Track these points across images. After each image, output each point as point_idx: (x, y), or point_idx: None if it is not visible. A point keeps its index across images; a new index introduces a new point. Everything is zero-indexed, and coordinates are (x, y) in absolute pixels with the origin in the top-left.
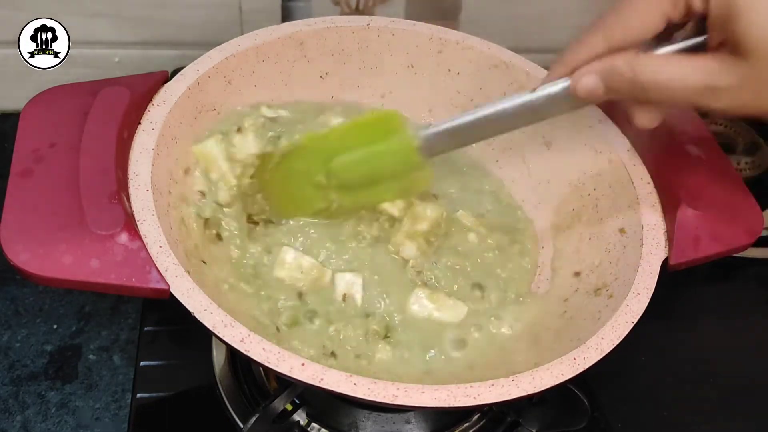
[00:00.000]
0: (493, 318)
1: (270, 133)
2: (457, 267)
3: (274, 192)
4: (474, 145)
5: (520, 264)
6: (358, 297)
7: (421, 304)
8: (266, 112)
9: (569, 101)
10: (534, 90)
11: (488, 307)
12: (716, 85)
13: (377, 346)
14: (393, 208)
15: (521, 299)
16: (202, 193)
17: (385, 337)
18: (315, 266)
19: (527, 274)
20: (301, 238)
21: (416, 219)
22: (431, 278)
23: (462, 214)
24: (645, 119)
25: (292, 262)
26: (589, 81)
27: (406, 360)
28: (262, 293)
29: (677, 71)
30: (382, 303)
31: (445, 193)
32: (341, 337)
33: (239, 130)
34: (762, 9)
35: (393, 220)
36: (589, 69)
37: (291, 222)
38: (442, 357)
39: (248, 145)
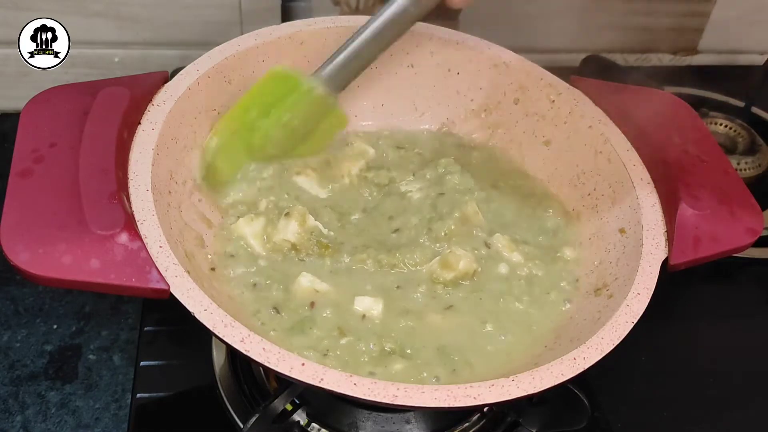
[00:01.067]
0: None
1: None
2: (480, 299)
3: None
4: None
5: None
6: (377, 316)
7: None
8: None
9: None
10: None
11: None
12: None
13: (391, 359)
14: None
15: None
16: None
17: (401, 354)
18: (331, 290)
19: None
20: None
21: (446, 265)
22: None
23: (498, 237)
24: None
25: (309, 286)
26: None
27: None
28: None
29: None
30: (402, 323)
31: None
32: (352, 348)
33: (287, 214)
34: None
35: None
36: None
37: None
38: (454, 370)
39: (288, 232)
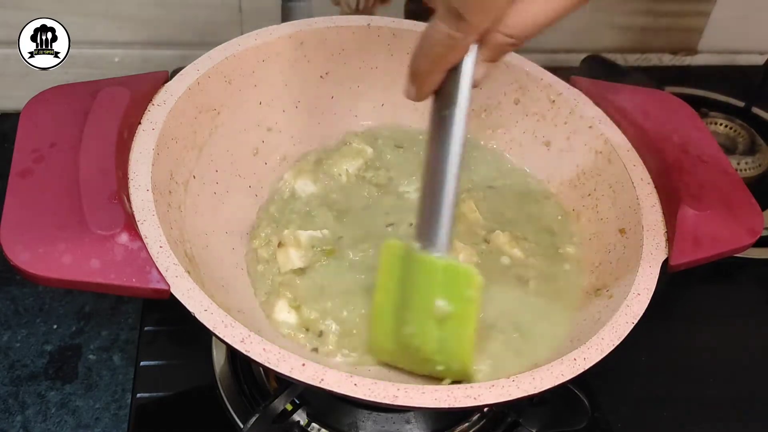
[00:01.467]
0: None
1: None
2: None
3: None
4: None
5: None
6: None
7: None
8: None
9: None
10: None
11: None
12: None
13: None
14: None
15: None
16: None
17: None
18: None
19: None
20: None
21: None
22: None
23: (498, 234)
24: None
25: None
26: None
27: None
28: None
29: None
30: None
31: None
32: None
33: (280, 245)
34: None
35: None
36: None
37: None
38: None
39: (293, 261)
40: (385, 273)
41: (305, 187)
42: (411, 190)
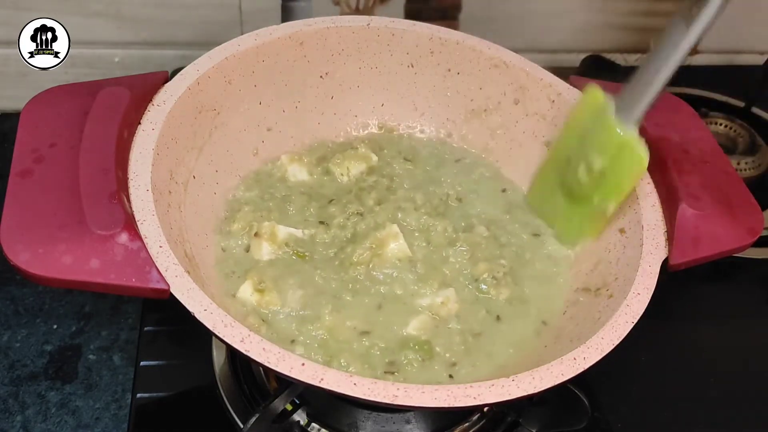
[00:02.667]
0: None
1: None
2: None
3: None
4: (473, 147)
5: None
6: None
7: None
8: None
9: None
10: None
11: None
12: None
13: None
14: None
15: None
16: None
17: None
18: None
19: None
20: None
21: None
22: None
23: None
24: None
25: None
26: None
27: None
28: None
29: None
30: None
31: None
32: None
33: (256, 234)
34: None
35: None
36: None
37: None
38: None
39: (263, 253)
40: (577, 117)
41: (298, 173)
42: (407, 206)
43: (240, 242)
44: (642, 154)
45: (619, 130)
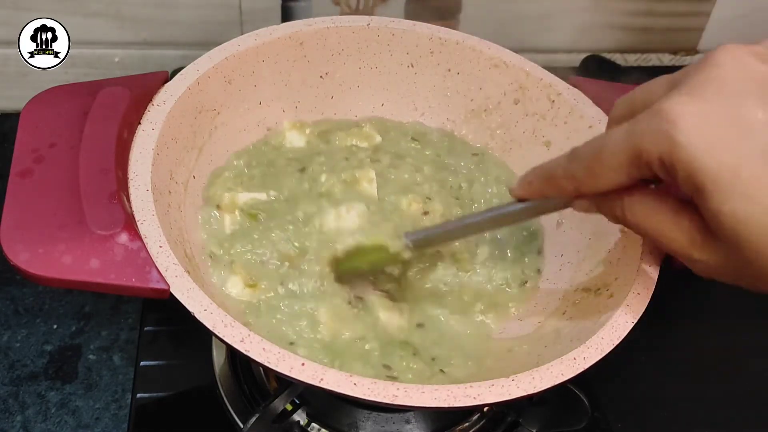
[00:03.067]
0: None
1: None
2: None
3: None
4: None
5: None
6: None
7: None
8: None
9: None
10: (508, 205)
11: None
12: (693, 257)
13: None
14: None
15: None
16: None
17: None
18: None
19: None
20: None
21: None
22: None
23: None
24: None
25: None
26: (582, 205)
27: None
28: None
29: (664, 228)
30: None
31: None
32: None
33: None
34: (734, 191)
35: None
36: (581, 202)
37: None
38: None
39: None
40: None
41: (295, 141)
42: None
43: (213, 216)
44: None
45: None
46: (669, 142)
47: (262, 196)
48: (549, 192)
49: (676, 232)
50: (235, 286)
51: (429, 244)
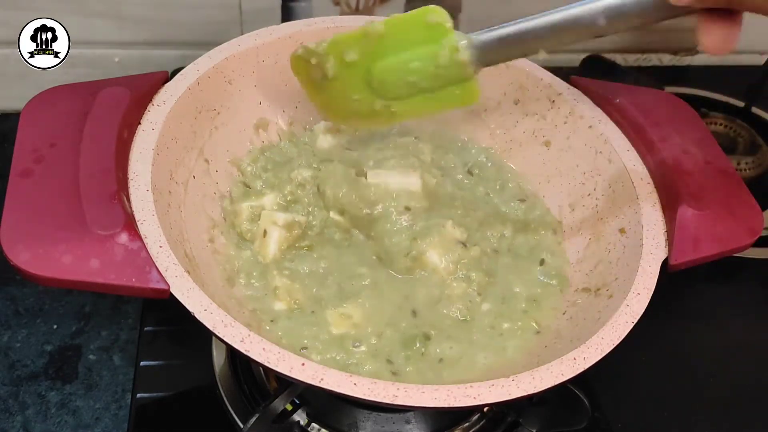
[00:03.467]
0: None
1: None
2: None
3: (319, 92)
4: (474, 145)
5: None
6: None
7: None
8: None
9: (653, 11)
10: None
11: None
12: None
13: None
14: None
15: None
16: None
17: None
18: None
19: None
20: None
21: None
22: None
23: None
24: (719, 40)
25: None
26: None
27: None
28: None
29: None
30: None
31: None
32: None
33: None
34: None
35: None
36: None
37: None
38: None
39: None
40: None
41: (325, 141)
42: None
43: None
44: (478, 92)
45: (469, 66)
46: None
47: (298, 218)
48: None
49: None
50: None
51: (496, 54)
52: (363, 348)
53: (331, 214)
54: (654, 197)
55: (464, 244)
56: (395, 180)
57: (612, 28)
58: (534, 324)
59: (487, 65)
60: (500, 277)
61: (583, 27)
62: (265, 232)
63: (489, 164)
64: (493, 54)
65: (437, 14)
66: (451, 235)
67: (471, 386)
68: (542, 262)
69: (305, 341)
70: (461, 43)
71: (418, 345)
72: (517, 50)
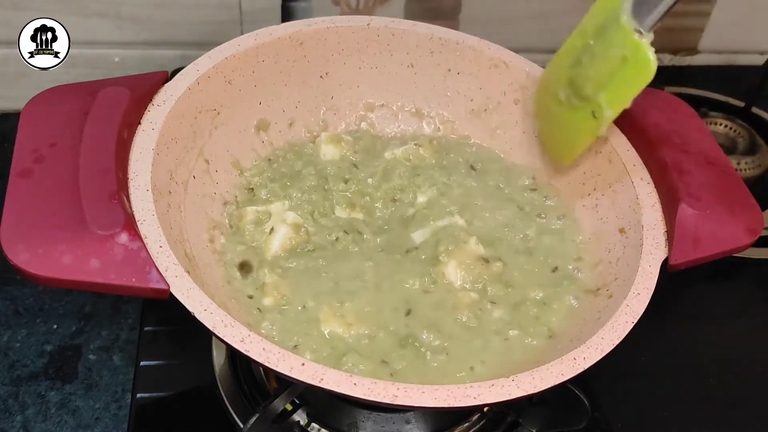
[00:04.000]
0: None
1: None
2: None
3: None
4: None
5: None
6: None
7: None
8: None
9: None
10: None
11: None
12: None
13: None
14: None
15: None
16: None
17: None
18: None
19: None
20: None
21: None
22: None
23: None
24: None
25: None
26: None
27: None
28: None
29: None
30: None
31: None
32: None
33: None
34: None
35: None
36: None
37: None
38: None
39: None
40: (593, 14)
41: (328, 152)
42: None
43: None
44: (652, 60)
45: (633, 34)
46: None
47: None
48: None
49: None
50: None
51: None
52: (355, 347)
53: (337, 211)
54: (654, 197)
55: (486, 260)
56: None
57: None
58: (546, 329)
59: (651, 26)
60: (517, 285)
61: None
62: (272, 229)
63: (491, 160)
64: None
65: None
66: (474, 252)
67: (471, 386)
68: (556, 268)
69: (296, 338)
70: (629, 19)
71: (414, 345)
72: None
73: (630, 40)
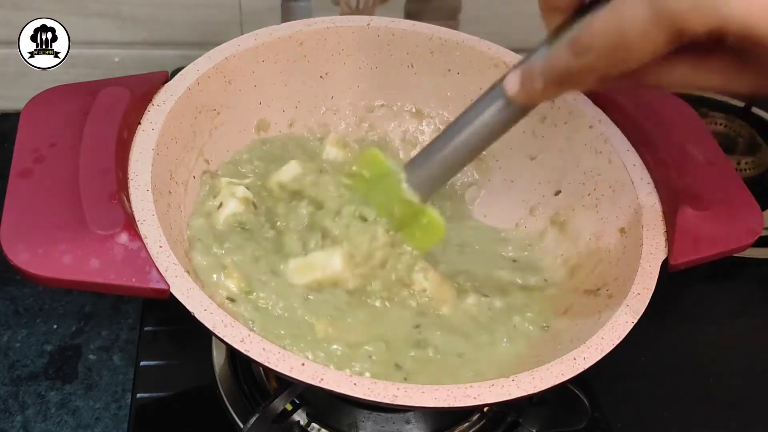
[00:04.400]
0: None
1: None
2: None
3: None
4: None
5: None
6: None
7: None
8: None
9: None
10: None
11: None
12: (730, 88)
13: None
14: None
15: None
16: None
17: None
18: None
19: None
20: None
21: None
22: None
23: None
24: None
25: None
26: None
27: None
28: None
29: (700, 79)
30: None
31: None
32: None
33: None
34: None
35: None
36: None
37: None
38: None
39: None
40: (360, 169)
41: (332, 153)
42: None
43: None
44: (441, 224)
45: (417, 201)
46: (718, 16)
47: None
48: (566, 90)
49: (713, 77)
50: None
51: (432, 184)
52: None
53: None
54: (654, 197)
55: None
56: None
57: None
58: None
59: (428, 195)
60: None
61: (494, 127)
62: (221, 204)
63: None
64: (427, 189)
65: (375, 157)
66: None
67: (471, 386)
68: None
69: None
70: (403, 179)
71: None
72: (446, 175)
73: (416, 206)
